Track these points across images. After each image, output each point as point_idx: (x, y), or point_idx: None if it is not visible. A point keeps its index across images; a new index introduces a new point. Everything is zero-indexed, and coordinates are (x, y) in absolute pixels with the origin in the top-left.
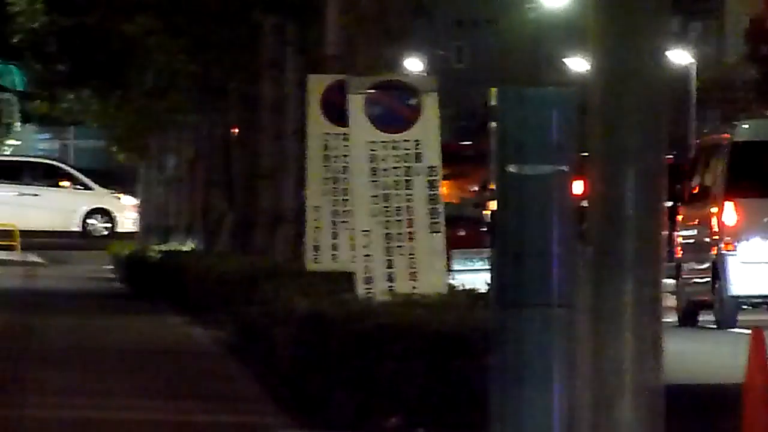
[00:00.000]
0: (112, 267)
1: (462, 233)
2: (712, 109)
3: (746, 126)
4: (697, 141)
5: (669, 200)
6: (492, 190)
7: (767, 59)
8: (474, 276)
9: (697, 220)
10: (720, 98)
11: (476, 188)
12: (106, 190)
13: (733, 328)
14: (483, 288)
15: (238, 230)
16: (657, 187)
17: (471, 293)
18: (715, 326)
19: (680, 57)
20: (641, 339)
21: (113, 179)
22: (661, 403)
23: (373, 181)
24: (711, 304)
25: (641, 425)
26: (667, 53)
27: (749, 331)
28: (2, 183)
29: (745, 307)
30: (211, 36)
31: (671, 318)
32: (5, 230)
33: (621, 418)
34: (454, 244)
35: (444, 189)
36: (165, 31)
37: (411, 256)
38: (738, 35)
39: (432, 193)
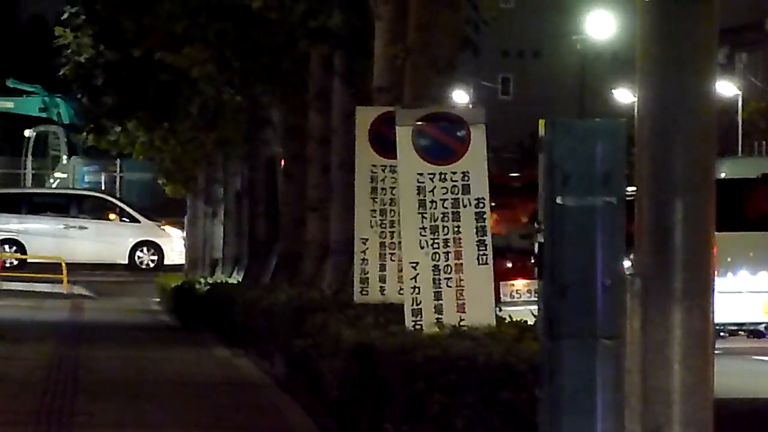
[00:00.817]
0: (160, 299)
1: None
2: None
3: (724, 164)
4: None
5: None
6: (540, 221)
7: None
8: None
9: None
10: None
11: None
12: (153, 223)
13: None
14: (531, 320)
15: (285, 262)
16: (706, 218)
17: (519, 325)
18: None
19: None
20: (690, 370)
21: (160, 212)
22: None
23: (421, 212)
24: None
25: None
26: (715, 83)
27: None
28: (50, 216)
29: (722, 333)
30: (258, 67)
31: None
32: (53, 263)
33: None
34: (501, 276)
35: (491, 221)
36: (212, 62)
37: (459, 288)
38: None
39: (480, 224)
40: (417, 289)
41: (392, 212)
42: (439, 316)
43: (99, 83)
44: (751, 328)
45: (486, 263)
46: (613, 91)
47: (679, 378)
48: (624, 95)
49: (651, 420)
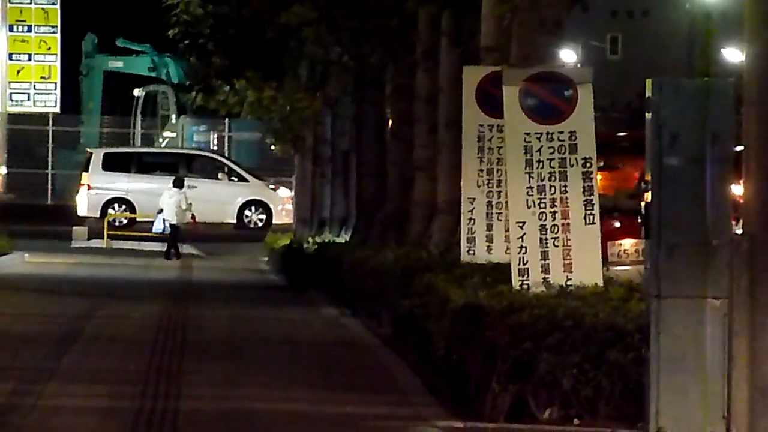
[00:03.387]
0: (267, 259)
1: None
2: None
3: None
4: None
5: None
6: (648, 181)
7: None
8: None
9: None
10: None
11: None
12: (261, 182)
13: None
14: (638, 280)
15: (393, 222)
16: None
17: (626, 284)
18: None
19: None
20: None
21: (268, 171)
22: None
23: (528, 172)
24: None
25: None
26: None
27: None
28: (159, 175)
29: None
30: (366, 27)
31: None
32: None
33: None
34: (608, 235)
35: (599, 180)
36: (320, 22)
37: (566, 248)
38: None
39: (587, 184)
40: (524, 249)
41: (499, 172)
42: (546, 276)
43: (207, 42)
44: None
45: (593, 223)
46: (722, 50)
47: None
48: (733, 54)
49: (758, 380)
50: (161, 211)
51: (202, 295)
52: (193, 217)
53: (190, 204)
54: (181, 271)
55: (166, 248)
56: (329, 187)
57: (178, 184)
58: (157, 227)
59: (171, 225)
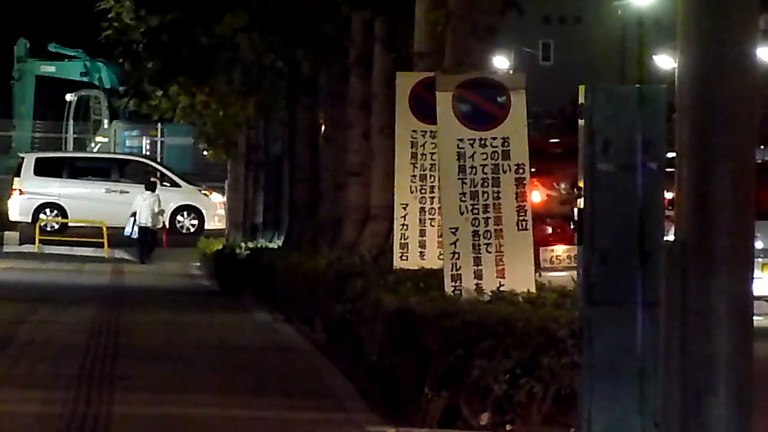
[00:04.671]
0: (200, 264)
1: (549, 231)
2: None
3: None
4: None
5: None
6: (580, 188)
7: None
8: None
9: None
10: None
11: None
12: (194, 187)
13: None
14: (571, 285)
15: (325, 227)
16: (746, 184)
17: (558, 290)
18: None
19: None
20: (730, 336)
21: (201, 176)
22: (751, 400)
23: (461, 178)
24: None
25: (731, 421)
26: (756, 51)
27: None
28: (91, 180)
29: None
30: (299, 33)
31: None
32: (94, 227)
33: (710, 414)
34: (541, 241)
35: (531, 186)
36: (253, 28)
37: (499, 254)
38: None
39: (520, 190)
40: (456, 255)
41: (432, 178)
42: (479, 282)
43: (140, 48)
44: None
45: (526, 229)
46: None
47: (718, 345)
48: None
49: (691, 387)
50: (134, 214)
51: (134, 300)
52: (163, 224)
53: (162, 210)
54: (114, 276)
55: (138, 252)
56: (262, 193)
57: (151, 187)
58: (128, 230)
59: (142, 228)
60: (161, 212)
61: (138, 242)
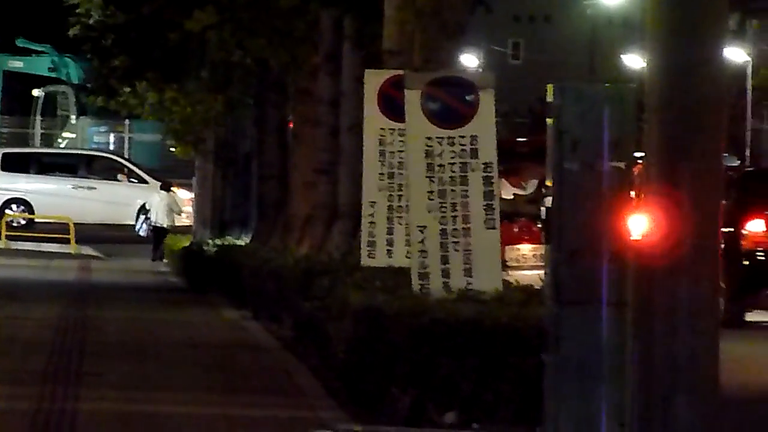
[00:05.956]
0: (168, 261)
1: (516, 229)
2: None
3: None
4: None
5: None
6: (548, 186)
7: None
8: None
9: None
10: None
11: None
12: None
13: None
14: (538, 284)
15: (293, 225)
16: (714, 184)
17: (526, 289)
18: None
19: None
20: (696, 336)
21: (169, 173)
22: (716, 400)
23: (429, 176)
24: None
25: (695, 422)
26: (725, 51)
27: None
28: (58, 176)
29: None
30: (269, 30)
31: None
32: (61, 223)
33: (675, 415)
34: (507, 240)
35: (499, 185)
36: (223, 25)
37: (466, 252)
38: None
39: (488, 189)
40: (424, 253)
41: (400, 176)
42: (446, 280)
43: (109, 44)
44: None
45: (493, 227)
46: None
47: (684, 345)
48: (634, 61)
49: (657, 388)
50: (147, 212)
51: (102, 296)
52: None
53: (181, 210)
54: (81, 272)
55: (153, 250)
56: (230, 190)
57: (166, 187)
58: (138, 227)
59: (158, 227)
60: (179, 212)
61: (153, 241)
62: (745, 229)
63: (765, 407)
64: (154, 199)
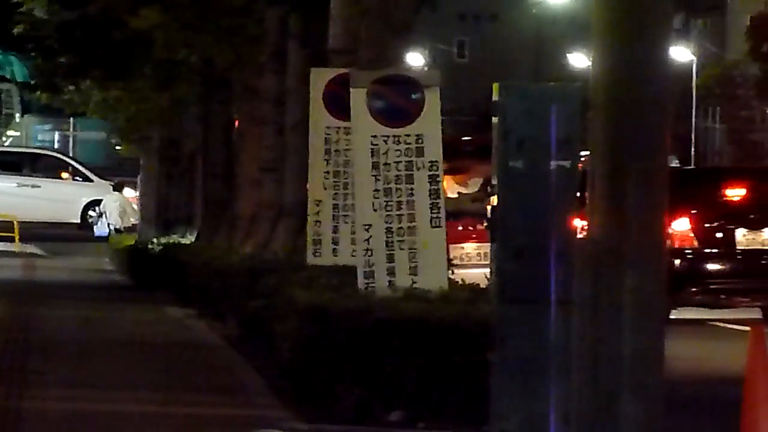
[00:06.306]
0: (112, 259)
1: (460, 228)
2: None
3: None
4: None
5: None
6: (493, 185)
7: None
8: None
9: None
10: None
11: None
12: (106, 182)
13: None
14: (484, 283)
15: (239, 223)
16: (659, 183)
17: (471, 287)
18: None
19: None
20: (642, 334)
21: (114, 171)
22: (662, 398)
23: (374, 175)
24: None
25: (641, 420)
26: (670, 50)
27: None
28: (2, 174)
29: None
30: (215, 28)
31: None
32: (4, 221)
33: (621, 413)
34: (452, 238)
35: (444, 183)
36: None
37: (412, 251)
38: (740, 33)
39: (433, 187)
40: (370, 252)
41: (346, 174)
42: (392, 279)
43: (54, 42)
44: None
45: (439, 226)
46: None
47: (630, 344)
48: (580, 60)
49: (602, 385)
50: (101, 214)
51: (46, 295)
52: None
53: (133, 208)
54: (25, 270)
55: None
56: (175, 188)
57: (119, 187)
58: (98, 231)
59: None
60: (133, 213)
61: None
62: (671, 228)
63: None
64: (108, 200)
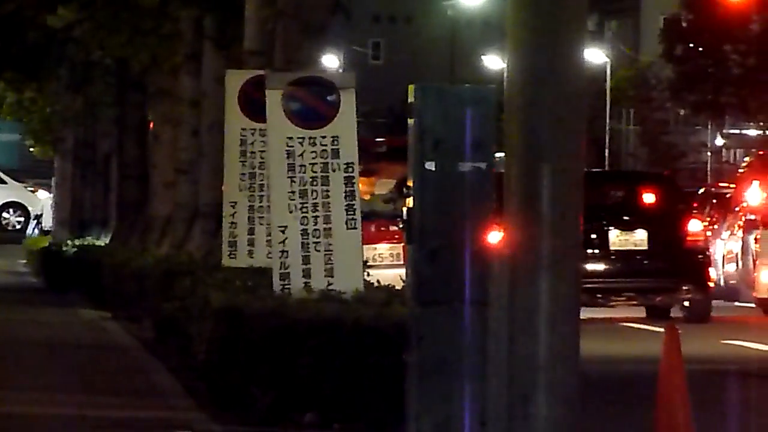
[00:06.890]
0: (26, 261)
1: (372, 229)
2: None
3: None
4: None
5: None
6: (408, 186)
7: (682, 59)
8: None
9: None
10: (634, 97)
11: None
12: (20, 184)
13: None
14: (399, 284)
15: (153, 225)
16: (574, 184)
17: (387, 289)
18: None
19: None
20: (556, 337)
21: (28, 173)
22: (577, 399)
23: (290, 177)
24: None
25: (556, 421)
26: (584, 50)
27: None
28: None
29: None
30: (129, 29)
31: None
32: None
33: (536, 414)
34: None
35: (359, 185)
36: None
37: (327, 252)
38: (653, 34)
39: (349, 189)
40: (285, 253)
41: (261, 176)
42: (308, 280)
43: None
44: None
45: (355, 228)
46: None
47: (545, 345)
48: (494, 62)
49: (518, 388)
50: (36, 216)
51: None
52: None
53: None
54: None
55: None
56: (90, 190)
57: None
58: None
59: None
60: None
61: None
62: None
63: None
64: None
